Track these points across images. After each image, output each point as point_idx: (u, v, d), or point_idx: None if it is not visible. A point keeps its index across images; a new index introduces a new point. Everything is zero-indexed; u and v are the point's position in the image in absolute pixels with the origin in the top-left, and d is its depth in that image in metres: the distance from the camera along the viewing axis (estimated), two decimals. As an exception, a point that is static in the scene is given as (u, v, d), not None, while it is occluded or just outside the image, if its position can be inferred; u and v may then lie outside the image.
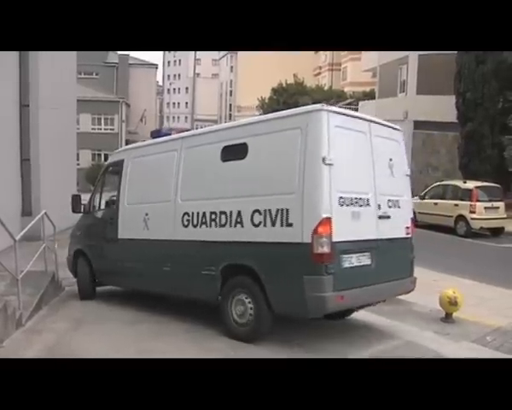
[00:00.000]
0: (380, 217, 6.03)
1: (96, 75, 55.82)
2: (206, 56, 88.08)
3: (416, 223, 19.11)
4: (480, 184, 18.55)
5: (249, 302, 5.95)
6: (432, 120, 25.96)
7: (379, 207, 6.04)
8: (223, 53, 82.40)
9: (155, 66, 69.35)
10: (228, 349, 5.76)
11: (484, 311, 7.90)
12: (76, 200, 8.84)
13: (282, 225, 5.61)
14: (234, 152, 6.25)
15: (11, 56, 12.95)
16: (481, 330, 6.80)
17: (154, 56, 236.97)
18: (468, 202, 17.85)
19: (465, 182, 19.16)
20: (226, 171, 6.35)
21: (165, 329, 6.65)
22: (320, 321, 7.07)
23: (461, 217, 18.03)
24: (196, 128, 32.06)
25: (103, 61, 57.03)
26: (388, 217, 6.14)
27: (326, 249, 5.33)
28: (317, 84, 54.66)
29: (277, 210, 5.65)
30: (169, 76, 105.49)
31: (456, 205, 18.27)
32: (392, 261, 6.16)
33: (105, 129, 49.53)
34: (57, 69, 15.81)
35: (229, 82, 79.64)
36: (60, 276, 9.18)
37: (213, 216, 6.34)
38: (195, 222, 6.58)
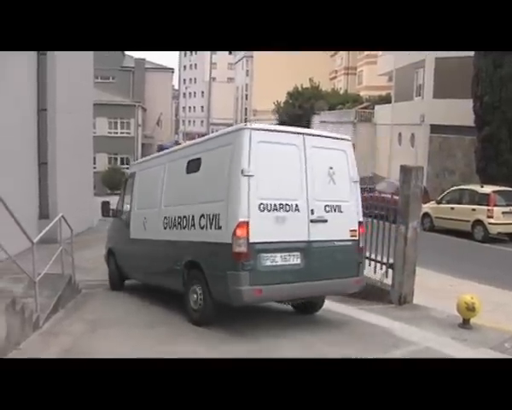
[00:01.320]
0: (312, 221, 6.57)
1: (113, 79, 56.28)
2: (222, 60, 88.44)
3: (433, 227, 19.38)
4: (497, 188, 18.36)
5: (199, 290, 6.84)
6: (448, 124, 25.78)
7: (312, 211, 6.59)
8: (239, 57, 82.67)
9: (171, 70, 69.71)
10: (243, 352, 5.73)
11: (501, 316, 7.81)
12: (105, 205, 10.34)
13: (215, 228, 6.53)
14: (193, 165, 7.32)
15: (29, 60, 13.11)
16: (499, 337, 6.70)
17: (170, 61, 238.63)
18: (486, 207, 17.69)
19: (482, 186, 18.98)
20: (188, 181, 7.43)
21: (180, 330, 6.68)
22: (331, 324, 7.07)
23: (478, 222, 17.86)
24: (212, 132, 32.24)
25: (120, 65, 57.52)
26: (325, 221, 6.67)
27: (243, 249, 6.11)
28: (333, 88, 54.58)
29: (213, 215, 6.57)
30: (185, 80, 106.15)
31: (474, 210, 18.10)
32: (329, 261, 6.68)
33: (121, 133, 49.89)
34: (74, 73, 15.98)
35: (244, 86, 79.84)
36: (76, 279, 9.28)
37: (179, 220, 7.40)
38: (170, 224, 7.69)
